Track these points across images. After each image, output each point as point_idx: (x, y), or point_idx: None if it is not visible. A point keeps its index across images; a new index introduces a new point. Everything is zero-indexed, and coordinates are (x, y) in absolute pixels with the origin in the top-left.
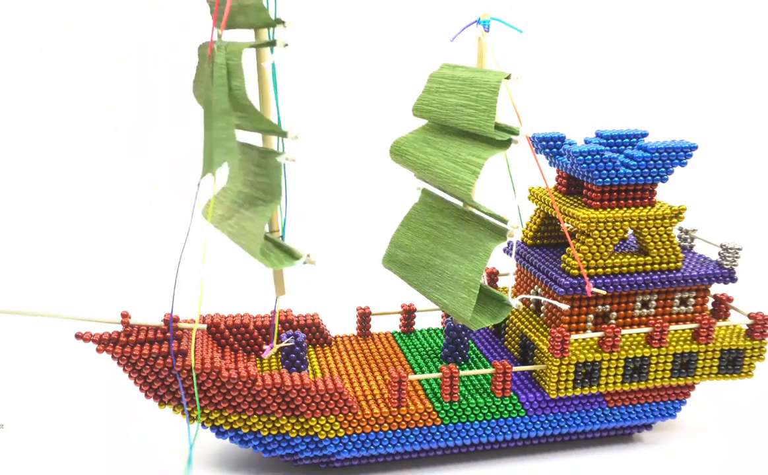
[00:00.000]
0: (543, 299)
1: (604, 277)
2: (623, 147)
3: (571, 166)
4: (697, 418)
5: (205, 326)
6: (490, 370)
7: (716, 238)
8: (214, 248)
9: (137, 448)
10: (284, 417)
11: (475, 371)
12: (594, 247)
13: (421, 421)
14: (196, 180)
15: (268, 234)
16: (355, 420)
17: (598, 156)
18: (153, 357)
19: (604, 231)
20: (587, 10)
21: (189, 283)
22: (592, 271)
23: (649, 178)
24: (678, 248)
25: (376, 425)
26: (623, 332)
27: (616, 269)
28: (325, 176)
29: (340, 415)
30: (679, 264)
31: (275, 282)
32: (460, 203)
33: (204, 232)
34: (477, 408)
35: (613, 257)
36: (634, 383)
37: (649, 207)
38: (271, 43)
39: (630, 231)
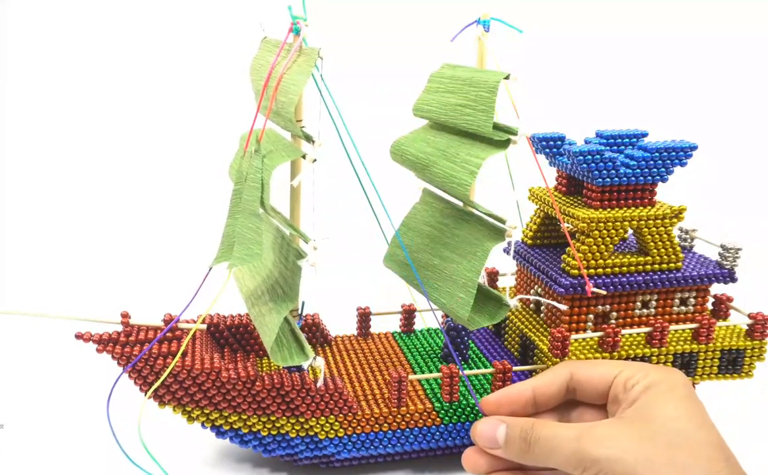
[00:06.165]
0: (543, 300)
1: (604, 277)
2: (623, 147)
3: (571, 166)
4: None
5: (205, 326)
6: (490, 370)
7: (716, 238)
8: (214, 248)
9: (136, 447)
10: (284, 417)
11: (475, 371)
12: (594, 247)
13: (421, 421)
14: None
15: (288, 317)
16: (355, 420)
17: (598, 156)
18: (153, 357)
19: (604, 231)
20: (587, 11)
21: (189, 283)
22: (592, 271)
23: (649, 178)
24: (678, 248)
25: (376, 425)
26: (623, 332)
27: (616, 269)
28: (325, 176)
29: (340, 415)
30: (679, 264)
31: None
32: (461, 203)
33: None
34: (477, 408)
35: (613, 257)
36: None
37: (649, 207)
38: (302, 156)
39: (630, 231)
